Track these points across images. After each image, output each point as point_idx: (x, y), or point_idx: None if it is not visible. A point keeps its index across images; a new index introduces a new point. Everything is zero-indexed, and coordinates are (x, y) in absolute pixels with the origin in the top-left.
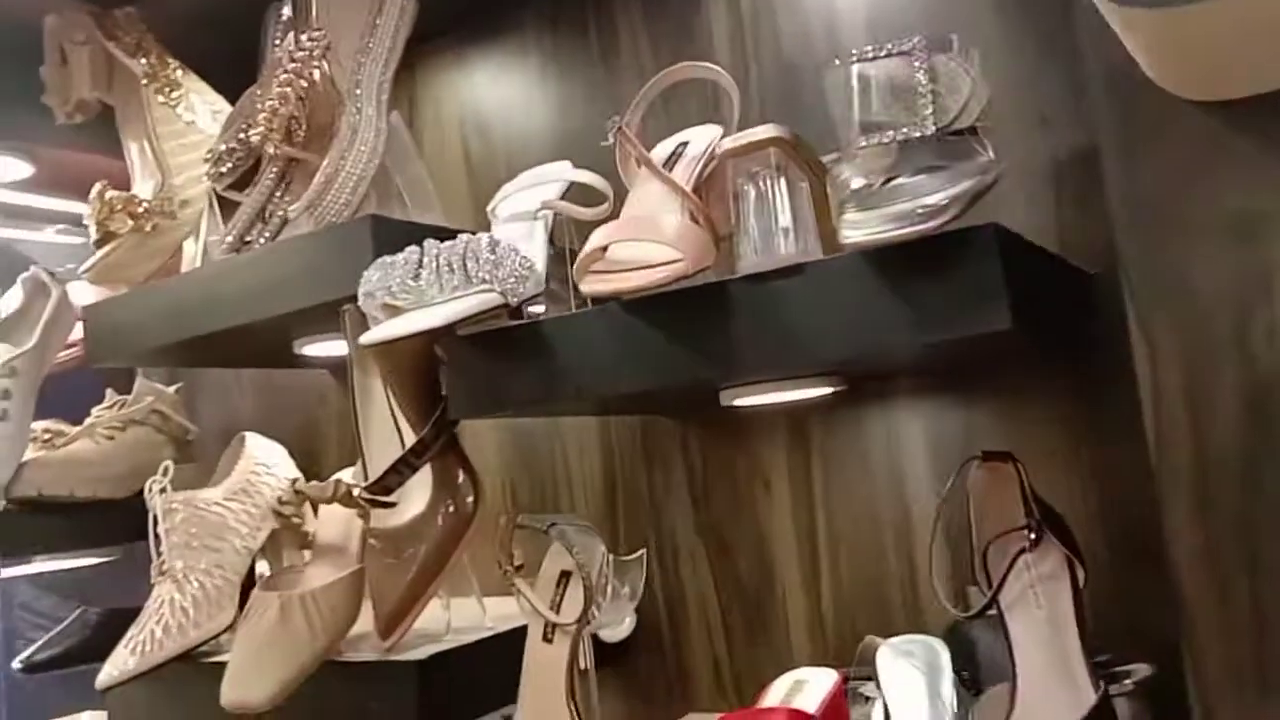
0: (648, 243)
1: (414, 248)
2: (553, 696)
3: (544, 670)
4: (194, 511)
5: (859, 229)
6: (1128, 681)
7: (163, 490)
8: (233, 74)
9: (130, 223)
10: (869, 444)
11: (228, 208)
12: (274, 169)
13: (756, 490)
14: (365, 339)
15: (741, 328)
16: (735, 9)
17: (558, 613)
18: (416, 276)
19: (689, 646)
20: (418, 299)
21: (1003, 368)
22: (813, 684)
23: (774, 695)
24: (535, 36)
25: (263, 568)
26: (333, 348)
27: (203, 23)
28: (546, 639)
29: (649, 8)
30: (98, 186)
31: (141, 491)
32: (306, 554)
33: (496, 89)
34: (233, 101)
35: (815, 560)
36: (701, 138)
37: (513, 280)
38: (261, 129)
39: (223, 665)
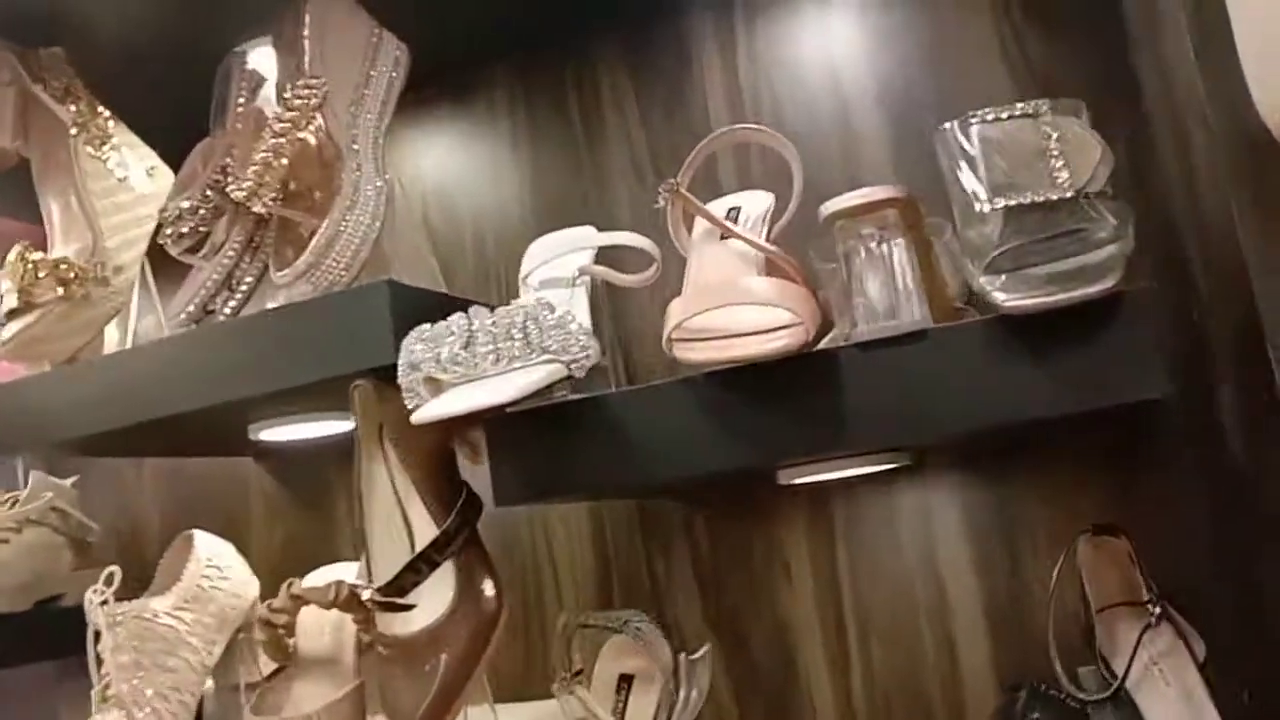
0: (730, 308)
1: (460, 315)
2: None
3: None
4: (142, 624)
5: (1015, 293)
6: None
7: (104, 602)
8: (165, 128)
9: (58, 290)
10: (899, 521)
11: (161, 277)
12: (241, 231)
13: (775, 574)
14: (422, 415)
15: (855, 399)
16: (732, 73)
17: None
18: (468, 346)
19: None
20: (468, 371)
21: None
22: None
23: None
24: (507, 97)
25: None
26: (291, 432)
27: (133, 70)
28: None
29: (636, 69)
30: (17, 248)
31: (41, 603)
32: (263, 668)
33: (463, 154)
34: (167, 157)
35: (845, 649)
36: (754, 202)
37: (578, 349)
38: (250, 184)
39: None
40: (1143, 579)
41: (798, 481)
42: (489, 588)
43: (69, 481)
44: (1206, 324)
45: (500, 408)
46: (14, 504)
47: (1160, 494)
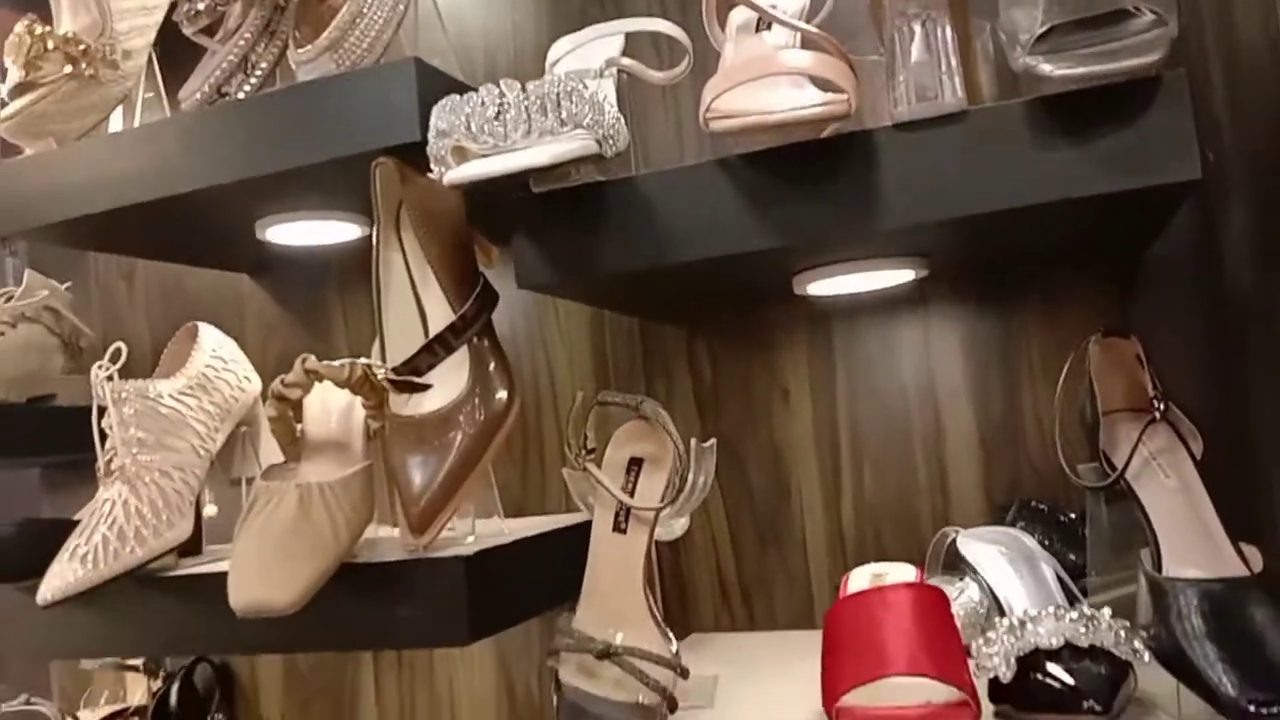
0: (770, 89)
1: (491, 86)
2: (628, 592)
3: (615, 564)
4: (147, 404)
5: (1060, 64)
6: None
7: (110, 377)
8: None
9: (66, 67)
10: (898, 348)
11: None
12: (259, 15)
13: (774, 399)
14: (453, 177)
15: (890, 179)
16: None
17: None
18: (499, 116)
19: (693, 563)
20: (498, 142)
21: (1045, 270)
22: (894, 575)
23: (856, 585)
24: None
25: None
26: (299, 233)
27: None
28: (618, 529)
29: None
30: (24, 22)
31: (32, 401)
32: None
33: None
34: None
35: (838, 472)
36: None
37: (611, 127)
38: None
39: (175, 580)
40: (1149, 379)
41: (812, 291)
42: (502, 378)
43: (64, 286)
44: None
45: (523, 176)
46: (8, 299)
47: (1157, 320)
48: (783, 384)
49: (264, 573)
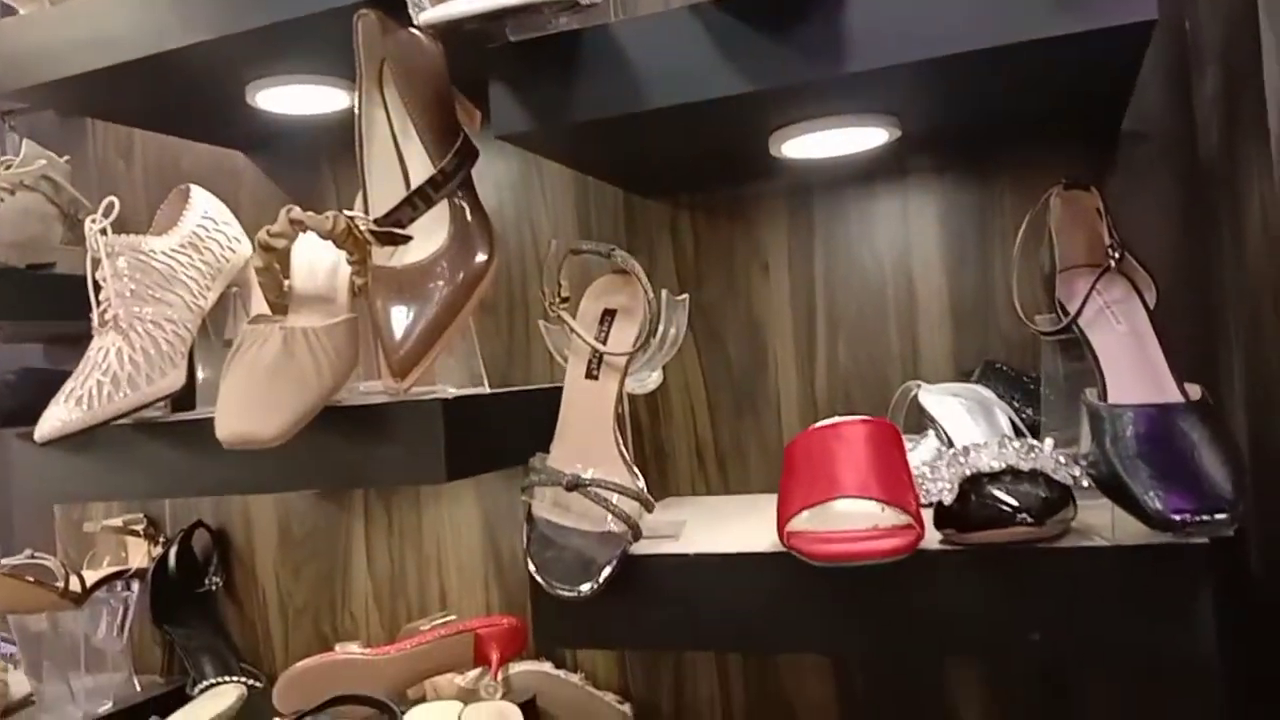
0: None
1: None
2: (598, 432)
3: (586, 408)
4: (139, 258)
5: None
6: None
7: (103, 231)
8: None
9: None
10: (876, 222)
11: None
12: None
13: (754, 274)
14: (428, 16)
15: (858, 26)
16: None
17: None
18: None
19: (671, 431)
20: None
21: (1022, 143)
22: None
23: None
24: None
25: None
26: (290, 99)
27: None
28: (591, 375)
29: None
30: None
31: (31, 268)
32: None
33: None
34: None
35: (813, 344)
36: None
37: None
38: None
39: (168, 425)
40: (1107, 229)
41: (788, 153)
42: (481, 234)
43: (63, 159)
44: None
45: (502, 16)
46: (7, 167)
47: (1133, 191)
48: (762, 257)
49: (249, 407)
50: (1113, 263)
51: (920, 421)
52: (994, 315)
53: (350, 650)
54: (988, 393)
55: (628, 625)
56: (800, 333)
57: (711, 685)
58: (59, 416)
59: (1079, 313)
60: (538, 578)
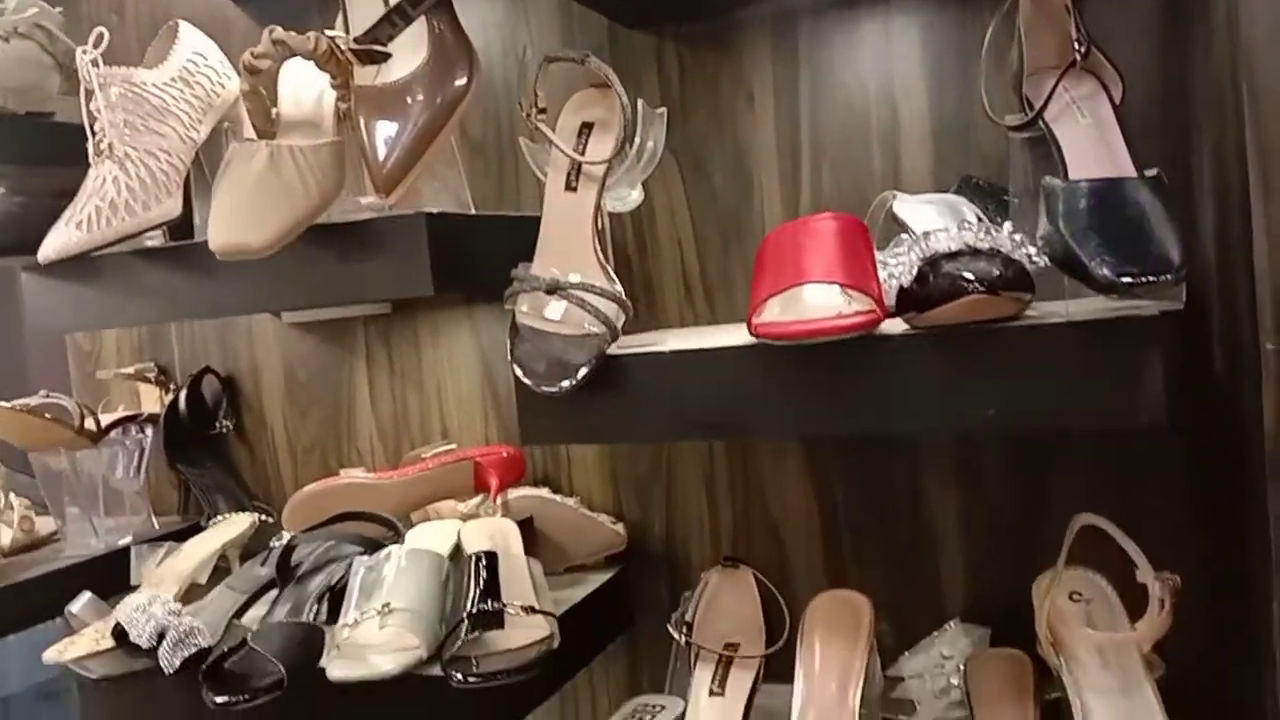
0: None
1: None
2: (577, 242)
3: (566, 219)
4: (132, 90)
5: None
6: None
7: (94, 62)
8: None
9: None
10: (859, 48)
11: None
12: None
13: (739, 103)
14: None
15: None
16: None
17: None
18: None
19: (659, 264)
20: None
21: None
22: None
23: None
24: None
25: None
26: None
27: None
28: (570, 187)
29: None
30: None
31: (32, 115)
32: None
33: None
34: None
35: (797, 170)
36: None
37: None
38: None
39: (167, 251)
40: (1075, 25)
41: None
42: (461, 54)
43: (57, 9)
44: None
45: None
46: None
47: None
48: (748, 88)
49: (238, 218)
50: (1079, 57)
51: (893, 231)
52: (975, 136)
53: (355, 475)
54: (964, 203)
55: (608, 420)
56: (785, 161)
57: (700, 505)
58: (60, 239)
59: (1044, 106)
60: (521, 378)
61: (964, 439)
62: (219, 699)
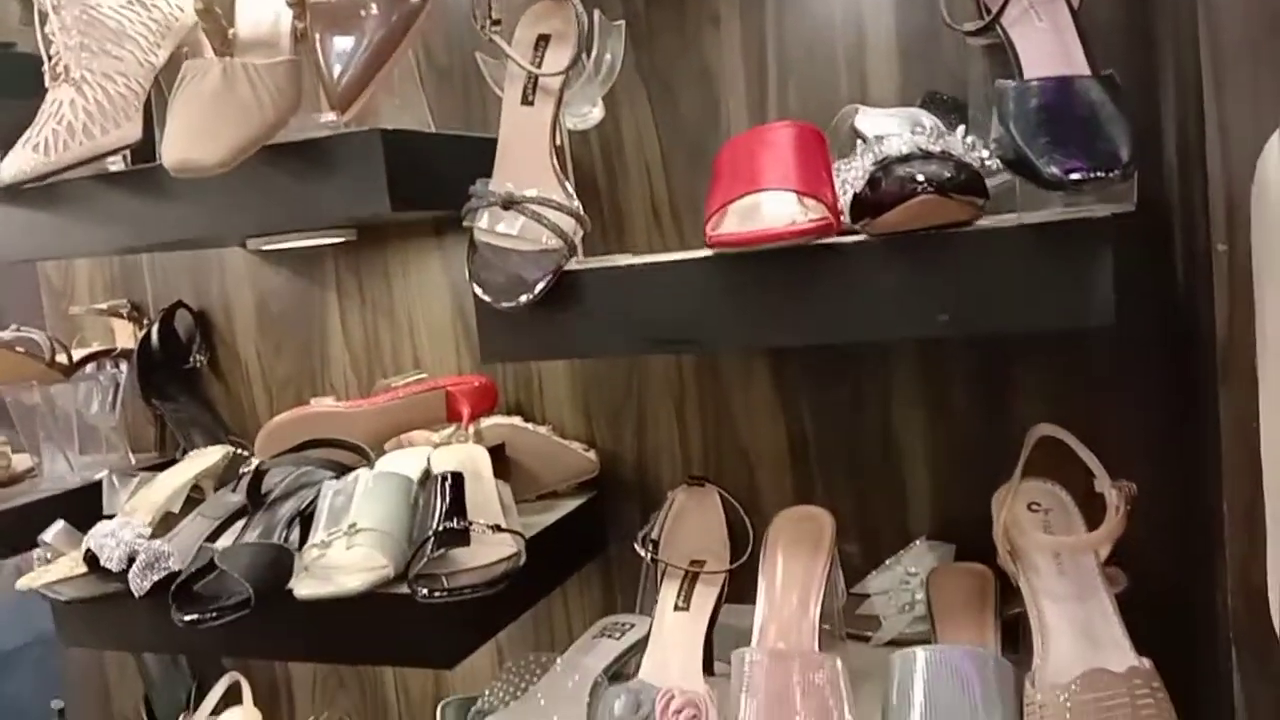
0: None
1: None
2: (535, 157)
3: (523, 134)
4: (88, 13)
5: None
6: None
7: None
8: None
9: None
10: None
11: None
12: None
13: (704, 27)
14: None
15: None
16: None
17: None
18: None
19: (627, 189)
20: None
21: None
22: None
23: None
24: None
25: None
26: None
27: None
28: (527, 101)
29: None
30: None
31: None
32: None
33: None
34: None
35: (763, 92)
36: None
37: None
38: None
39: (127, 175)
40: None
41: None
42: None
43: None
44: None
45: None
46: None
47: None
48: (713, 9)
49: (191, 135)
50: None
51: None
52: (941, 53)
53: (325, 404)
54: (922, 113)
55: (567, 335)
56: (751, 83)
57: (671, 432)
58: (17, 161)
59: (1001, 10)
60: (479, 294)
61: (930, 361)
62: (186, 617)
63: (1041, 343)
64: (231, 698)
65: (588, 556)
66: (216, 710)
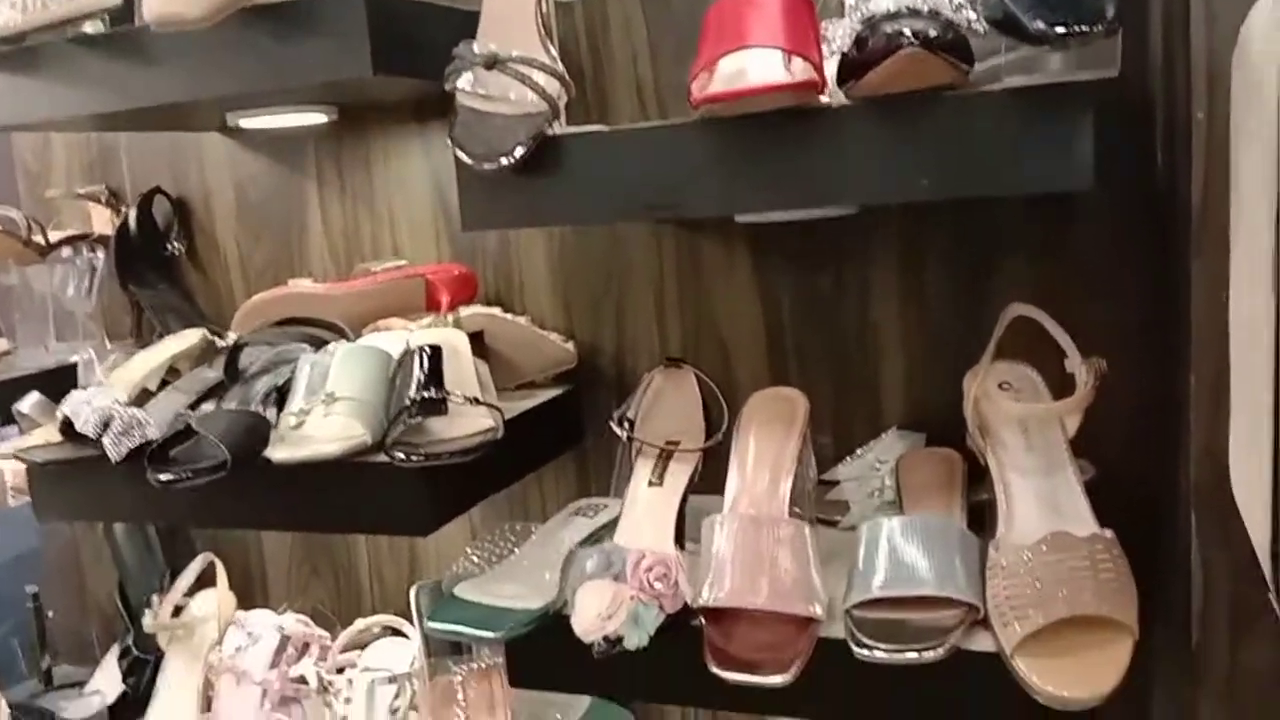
0: None
1: None
2: (519, 20)
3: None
4: None
5: None
6: None
7: None
8: None
9: None
10: None
11: None
12: None
13: None
14: None
15: None
16: None
17: None
18: None
19: (613, 74)
20: None
21: None
22: None
23: None
24: None
25: None
26: None
27: None
28: None
29: None
30: None
31: None
32: None
33: None
34: None
35: None
36: None
37: None
38: None
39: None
40: None
41: None
42: None
43: None
44: None
45: None
46: None
47: None
48: None
49: None
50: None
51: None
52: None
53: (304, 285)
54: None
55: (548, 201)
56: None
57: (650, 324)
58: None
59: None
60: (460, 156)
61: (909, 251)
62: (162, 477)
63: (1022, 232)
64: (206, 582)
65: (564, 446)
66: (190, 593)
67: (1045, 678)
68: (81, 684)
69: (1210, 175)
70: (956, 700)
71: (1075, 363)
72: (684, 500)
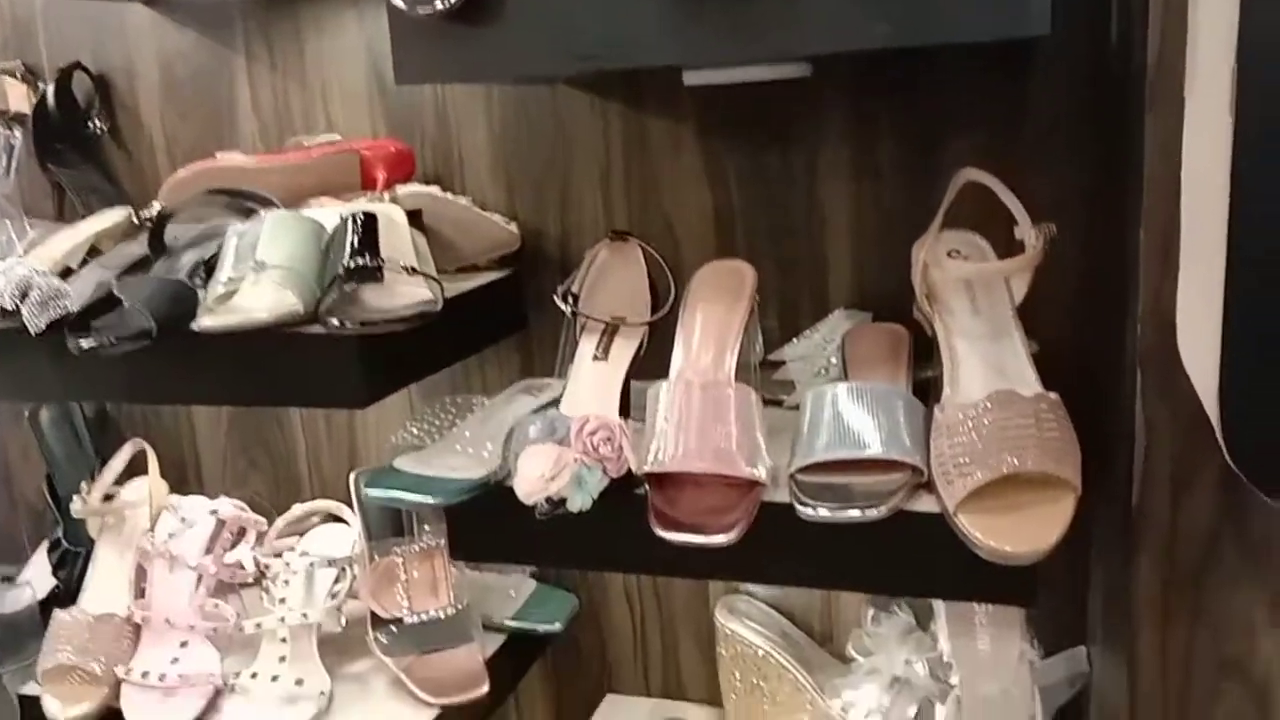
0: None
1: None
2: None
3: None
4: None
5: None
6: None
7: None
8: None
9: None
10: None
11: None
12: None
13: None
14: None
15: None
16: None
17: None
18: None
19: None
20: None
21: None
22: None
23: None
24: None
25: None
26: None
27: None
28: None
29: None
30: None
31: None
32: None
33: None
34: None
35: None
36: None
37: None
38: None
39: None
40: None
41: None
42: None
43: None
44: None
45: None
46: None
47: None
48: None
49: None
50: None
51: None
52: None
53: (233, 158)
54: None
55: (487, 53)
56: None
57: (595, 205)
58: None
59: None
60: (394, 1)
61: (860, 129)
62: (85, 343)
63: (974, 104)
64: (137, 471)
65: (507, 330)
66: (121, 481)
67: (987, 533)
68: (10, 578)
69: (1167, 31)
70: (900, 561)
71: (1025, 228)
72: (629, 377)
